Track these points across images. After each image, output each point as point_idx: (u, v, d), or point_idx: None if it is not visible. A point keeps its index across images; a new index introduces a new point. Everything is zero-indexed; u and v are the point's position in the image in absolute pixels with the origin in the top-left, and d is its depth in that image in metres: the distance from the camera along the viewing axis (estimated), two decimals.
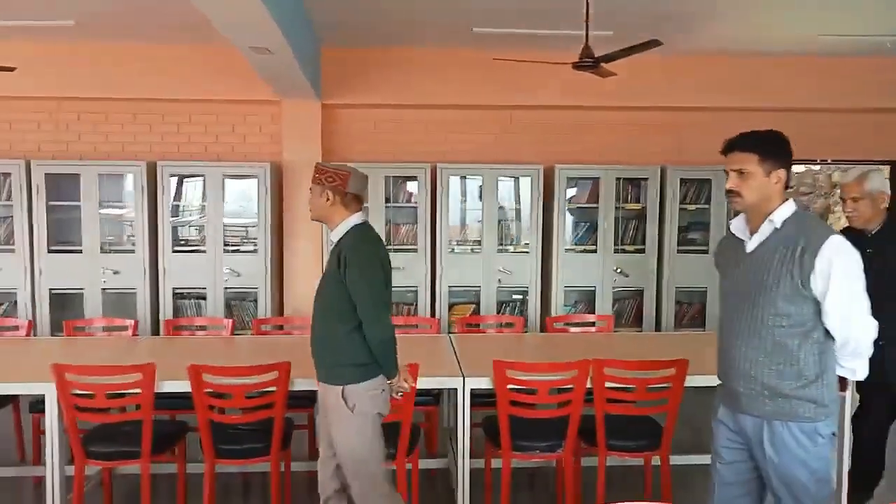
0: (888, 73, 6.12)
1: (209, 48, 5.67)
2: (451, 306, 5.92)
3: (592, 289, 5.89)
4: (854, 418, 3.36)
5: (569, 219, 5.97)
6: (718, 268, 2.45)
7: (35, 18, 4.85)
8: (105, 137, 6.11)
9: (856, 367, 2.25)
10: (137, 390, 2.89)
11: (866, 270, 2.82)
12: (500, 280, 5.87)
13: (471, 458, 3.15)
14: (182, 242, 5.87)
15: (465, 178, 6.07)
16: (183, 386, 2.93)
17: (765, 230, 2.22)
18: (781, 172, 2.21)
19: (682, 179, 5.92)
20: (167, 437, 3.18)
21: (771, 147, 2.22)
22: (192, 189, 5.95)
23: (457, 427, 3.13)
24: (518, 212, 6.09)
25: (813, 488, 2.20)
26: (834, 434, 2.25)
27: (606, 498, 3.13)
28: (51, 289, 5.59)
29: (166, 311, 5.69)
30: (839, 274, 2.10)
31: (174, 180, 5.75)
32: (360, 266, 2.58)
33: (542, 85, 5.76)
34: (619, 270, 5.88)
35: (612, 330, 4.69)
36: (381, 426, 2.70)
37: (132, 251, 5.67)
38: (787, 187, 2.24)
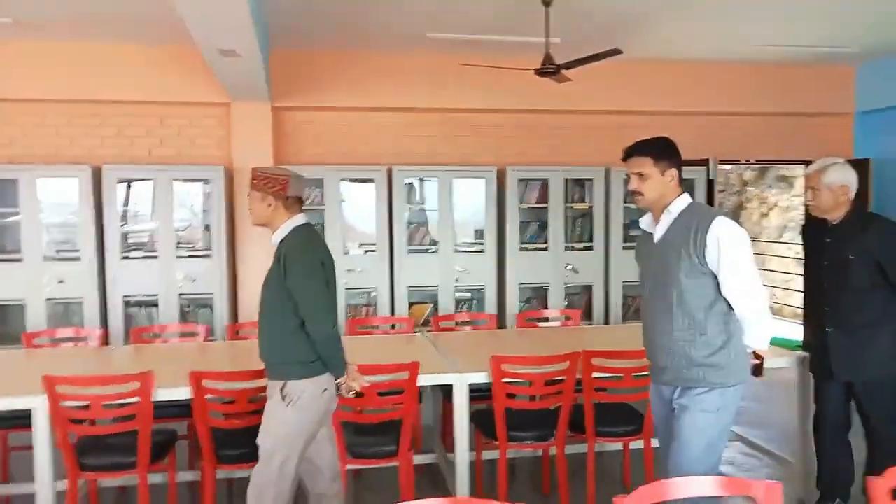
0: (807, 81, 6.70)
1: (151, 48, 5.57)
2: (409, 305, 5.99)
3: (545, 285, 6.11)
4: (814, 420, 3.39)
5: (522, 218, 6.15)
6: (638, 260, 2.78)
7: None
8: (40, 140, 5.82)
9: (759, 335, 2.49)
10: (135, 399, 2.83)
11: (822, 258, 3.16)
12: (457, 279, 6.00)
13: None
14: (132, 248, 5.66)
15: (422, 180, 6.15)
16: (179, 393, 2.90)
17: (665, 221, 2.55)
18: (673, 171, 2.54)
19: (624, 179, 6.23)
20: (159, 446, 3.12)
21: (662, 150, 2.55)
22: (139, 194, 5.75)
23: (454, 422, 3.23)
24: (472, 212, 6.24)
25: (703, 453, 2.43)
26: (737, 407, 2.50)
27: (595, 481, 3.31)
28: None
29: (116, 319, 5.48)
30: (727, 247, 2.39)
31: (120, 185, 5.55)
32: (301, 267, 2.63)
33: (497, 89, 5.94)
34: (570, 267, 6.13)
35: (579, 324, 4.92)
36: (318, 427, 2.74)
37: (77, 258, 5.43)
38: (680, 183, 2.57)
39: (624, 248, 6.17)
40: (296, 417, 2.64)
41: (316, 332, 2.62)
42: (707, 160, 6.41)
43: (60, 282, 5.39)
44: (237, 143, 5.91)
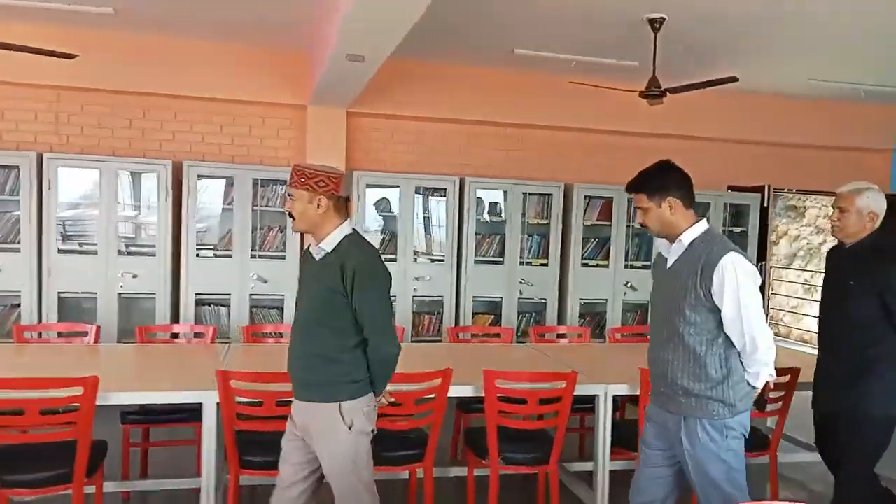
0: (851, 117, 6.97)
1: (231, 46, 5.57)
2: (473, 315, 6.06)
3: (603, 301, 6.23)
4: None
5: (584, 234, 6.24)
6: (653, 279, 2.76)
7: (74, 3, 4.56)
8: (111, 133, 5.76)
9: (758, 371, 2.46)
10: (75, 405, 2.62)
11: (827, 283, 3.17)
12: (520, 291, 6.10)
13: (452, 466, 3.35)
14: (203, 247, 5.61)
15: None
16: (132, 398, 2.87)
17: (676, 249, 2.53)
18: (672, 200, 2.49)
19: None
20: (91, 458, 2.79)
21: (655, 182, 2.54)
22: (211, 190, 5.72)
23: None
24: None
25: (726, 479, 2.46)
26: (745, 432, 2.50)
27: None
28: None
29: (188, 317, 5.45)
30: (733, 287, 2.37)
31: (197, 182, 5.52)
32: (378, 285, 2.44)
33: (573, 108, 6.12)
34: (628, 284, 6.27)
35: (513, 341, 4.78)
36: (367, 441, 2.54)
37: (152, 254, 5.39)
38: (690, 206, 2.53)
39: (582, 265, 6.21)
40: (359, 440, 2.47)
41: (384, 353, 2.45)
42: (763, 187, 6.61)
43: (134, 276, 5.34)
44: (312, 147, 5.92)
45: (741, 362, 2.46)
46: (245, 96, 5.78)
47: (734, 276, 2.37)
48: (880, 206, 2.99)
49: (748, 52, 5.26)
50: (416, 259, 5.96)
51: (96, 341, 4.04)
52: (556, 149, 6.59)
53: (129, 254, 5.41)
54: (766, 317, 2.48)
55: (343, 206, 2.46)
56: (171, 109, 5.84)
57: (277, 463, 2.60)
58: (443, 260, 5.98)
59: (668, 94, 4.51)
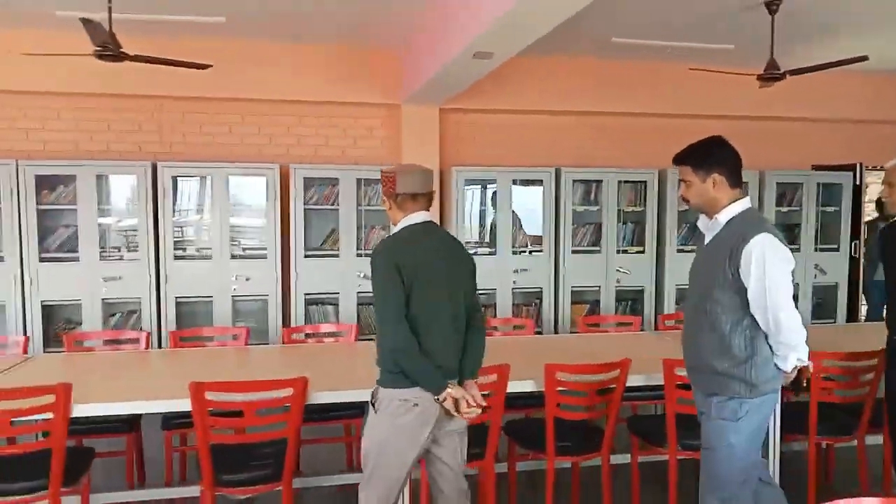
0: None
1: (322, 48, 5.63)
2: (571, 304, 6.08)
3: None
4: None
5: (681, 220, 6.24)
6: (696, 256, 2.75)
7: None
8: (211, 139, 5.86)
9: (786, 355, 2.42)
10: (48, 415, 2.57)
11: (888, 261, 3.04)
12: (618, 280, 6.11)
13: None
14: (313, 250, 5.70)
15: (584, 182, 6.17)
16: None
17: (713, 227, 2.52)
18: (717, 176, 2.46)
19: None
20: (73, 467, 2.76)
21: (702, 156, 2.51)
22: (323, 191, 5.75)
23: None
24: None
25: (725, 461, 2.46)
26: (765, 416, 2.49)
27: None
28: None
29: (299, 317, 5.54)
30: (759, 268, 2.33)
31: (299, 183, 5.58)
32: (373, 272, 2.48)
33: (671, 94, 6.17)
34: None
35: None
36: (410, 446, 2.47)
37: (264, 256, 5.48)
38: (736, 185, 2.49)
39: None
40: (384, 425, 2.47)
41: (381, 344, 2.49)
42: (855, 165, 6.56)
43: (247, 279, 5.43)
44: (407, 147, 5.97)
45: (769, 345, 2.43)
46: (337, 97, 5.83)
47: (762, 256, 2.33)
48: None
49: (850, 32, 5.21)
50: (515, 252, 5.98)
51: (147, 347, 3.99)
52: (647, 135, 6.57)
53: (239, 257, 5.49)
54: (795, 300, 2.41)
55: (406, 201, 2.54)
56: (265, 114, 5.92)
57: (258, 479, 2.76)
58: (541, 251, 6.01)
59: (787, 76, 4.48)
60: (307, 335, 4.15)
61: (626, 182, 6.12)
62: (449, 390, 2.43)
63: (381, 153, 6.15)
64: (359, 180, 5.65)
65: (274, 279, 5.48)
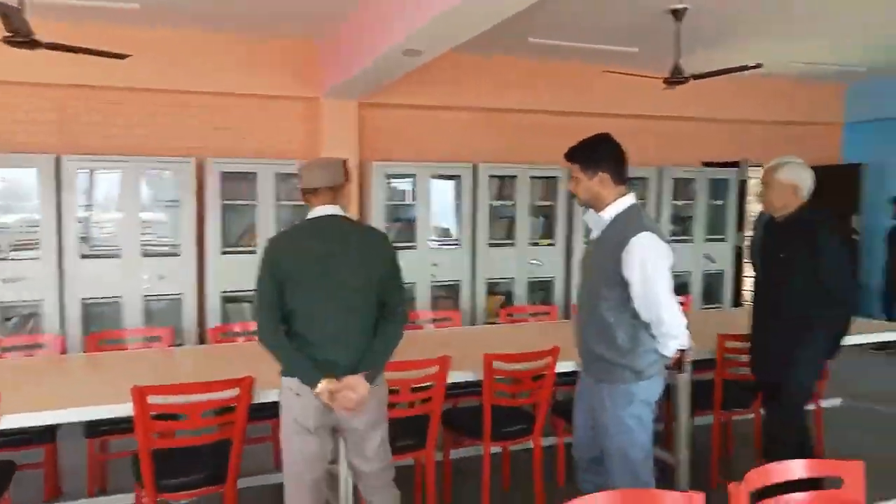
0: (804, 94, 7.60)
1: (241, 40, 5.53)
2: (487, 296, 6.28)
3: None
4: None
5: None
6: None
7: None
8: (125, 131, 5.59)
9: (667, 343, 2.56)
10: None
11: (762, 255, 3.31)
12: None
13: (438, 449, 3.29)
14: (230, 246, 5.57)
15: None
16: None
17: (599, 223, 2.64)
18: (602, 174, 2.56)
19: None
20: None
21: (589, 154, 2.61)
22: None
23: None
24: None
25: (629, 443, 2.60)
26: (653, 402, 2.63)
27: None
28: None
29: (214, 318, 5.41)
30: (640, 266, 2.45)
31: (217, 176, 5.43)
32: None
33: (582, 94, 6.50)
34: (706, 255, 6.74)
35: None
36: (301, 436, 2.49)
37: (177, 254, 5.30)
38: (621, 183, 2.60)
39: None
40: (282, 415, 2.54)
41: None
42: (738, 162, 7.14)
43: (160, 277, 5.24)
44: (327, 140, 5.93)
45: (651, 334, 2.57)
46: (254, 90, 5.72)
47: (643, 255, 2.45)
48: (802, 178, 3.05)
49: (736, 39, 5.67)
50: (432, 245, 6.10)
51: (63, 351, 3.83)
52: (558, 133, 6.80)
53: (153, 255, 5.28)
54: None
55: (311, 195, 2.54)
56: (178, 106, 5.71)
57: (201, 481, 2.73)
58: (458, 245, 6.16)
59: (691, 79, 4.83)
60: (235, 334, 4.07)
61: (537, 178, 6.38)
62: (323, 383, 2.40)
63: (299, 147, 6.08)
64: (277, 175, 5.57)
65: (189, 277, 5.32)
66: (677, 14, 4.75)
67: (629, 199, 2.61)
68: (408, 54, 4.19)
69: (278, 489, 2.71)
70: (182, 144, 5.69)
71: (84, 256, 5.08)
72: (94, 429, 3.32)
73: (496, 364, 3.14)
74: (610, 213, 2.59)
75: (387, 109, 6.31)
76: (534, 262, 6.37)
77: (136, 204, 5.17)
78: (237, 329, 4.13)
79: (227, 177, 5.46)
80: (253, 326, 4.28)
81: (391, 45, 4.07)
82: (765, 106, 7.44)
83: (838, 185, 7.77)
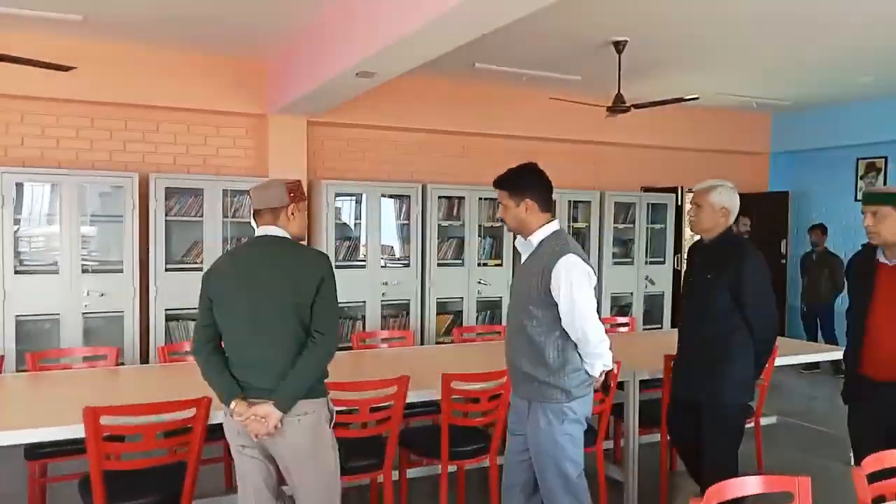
0: (733, 124, 8.03)
1: (185, 55, 5.47)
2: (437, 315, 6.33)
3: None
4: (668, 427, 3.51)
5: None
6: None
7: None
8: (55, 143, 5.41)
9: (593, 363, 2.67)
10: None
11: (688, 277, 3.34)
12: (479, 291, 6.46)
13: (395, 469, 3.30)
14: (174, 263, 5.44)
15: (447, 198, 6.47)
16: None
17: (527, 248, 2.73)
18: (528, 202, 2.64)
19: (616, 203, 7.09)
20: None
21: (515, 182, 2.68)
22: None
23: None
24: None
25: (561, 460, 2.67)
26: (584, 419, 2.72)
27: None
28: None
29: (159, 334, 5.26)
30: (567, 286, 2.55)
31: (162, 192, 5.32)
32: None
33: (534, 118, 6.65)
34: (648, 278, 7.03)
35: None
36: (237, 453, 2.53)
37: (119, 270, 5.15)
38: (546, 210, 2.67)
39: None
40: None
41: None
42: (676, 188, 7.46)
43: (101, 294, 5.08)
44: (273, 157, 5.90)
45: (578, 354, 2.65)
46: (199, 105, 5.65)
47: (568, 275, 2.55)
48: (732, 202, 3.13)
49: (672, 71, 5.97)
50: (383, 265, 6.12)
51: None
52: (505, 155, 6.94)
53: (94, 271, 5.11)
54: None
55: (257, 216, 2.53)
56: (119, 119, 5.58)
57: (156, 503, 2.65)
58: (408, 264, 6.20)
59: (632, 108, 5.05)
60: (186, 353, 3.97)
61: (485, 199, 6.49)
62: (232, 404, 2.40)
63: (245, 164, 6.02)
64: (225, 191, 5.49)
65: (131, 294, 5.17)
66: (618, 46, 4.97)
67: (554, 225, 2.70)
68: (361, 76, 4.24)
69: None
70: (123, 159, 5.56)
71: (19, 272, 4.88)
72: (36, 452, 3.18)
73: (454, 384, 3.18)
74: (537, 237, 2.68)
75: (336, 128, 6.32)
76: (482, 282, 6.46)
77: (75, 218, 5.00)
78: (187, 348, 4.03)
79: (171, 192, 5.35)
80: None
81: (345, 67, 4.12)
82: (699, 135, 7.81)
83: (768, 211, 8.24)
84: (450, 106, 6.48)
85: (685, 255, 5.29)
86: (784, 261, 8.15)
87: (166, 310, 5.31)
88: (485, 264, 6.53)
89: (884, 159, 7.50)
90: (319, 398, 2.49)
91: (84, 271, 5.05)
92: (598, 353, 2.65)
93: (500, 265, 6.57)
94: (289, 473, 2.51)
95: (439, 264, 6.30)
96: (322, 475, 2.52)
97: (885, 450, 2.18)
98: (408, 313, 6.22)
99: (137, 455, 2.69)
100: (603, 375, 2.76)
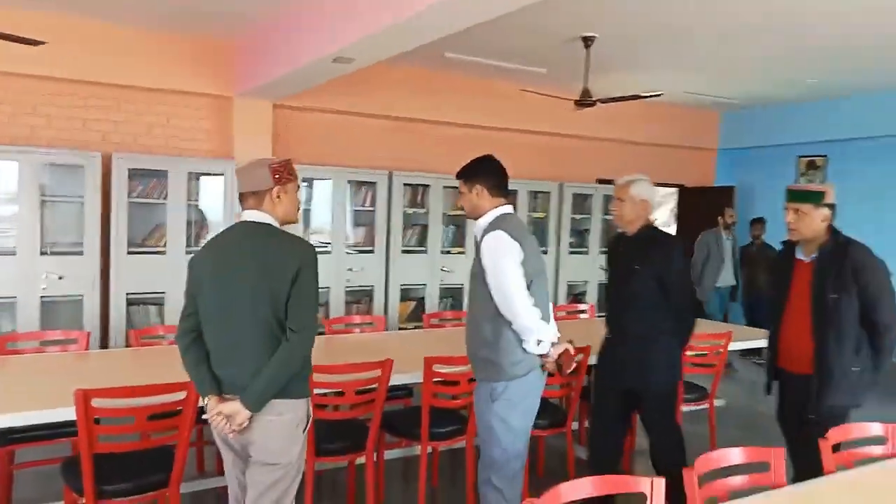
0: (683, 121, 8.34)
1: (150, 32, 5.34)
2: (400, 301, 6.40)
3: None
4: (590, 414, 3.55)
5: None
6: None
7: None
8: (8, 119, 5.20)
9: (527, 338, 2.68)
10: None
11: (613, 268, 3.41)
12: (442, 279, 6.55)
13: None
14: (136, 246, 5.33)
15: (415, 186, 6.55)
16: None
17: (476, 231, 2.83)
18: (478, 187, 2.77)
19: (574, 194, 7.29)
20: None
21: (468, 170, 2.84)
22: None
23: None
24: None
25: (492, 440, 2.76)
26: (521, 405, 2.75)
27: None
28: None
29: (119, 319, 5.16)
30: (490, 260, 2.65)
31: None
32: None
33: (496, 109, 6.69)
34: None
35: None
36: (220, 447, 2.46)
37: (80, 252, 5.02)
38: (498, 195, 2.78)
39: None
40: None
41: None
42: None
43: (60, 277, 4.94)
44: (238, 139, 5.83)
45: (514, 330, 2.68)
46: (161, 84, 5.53)
47: (492, 250, 2.65)
48: (651, 194, 3.24)
49: (632, 68, 6.18)
50: (348, 251, 6.14)
51: None
52: (468, 145, 7.02)
53: (52, 253, 4.97)
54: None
55: (241, 201, 2.42)
56: (78, 96, 5.41)
57: (144, 486, 2.65)
58: (372, 251, 6.23)
59: (598, 103, 5.21)
60: (161, 336, 3.94)
61: (448, 188, 6.57)
62: (206, 399, 2.33)
63: (208, 146, 5.93)
64: (190, 174, 5.40)
65: (91, 278, 5.05)
66: (587, 41, 5.11)
67: (503, 209, 2.78)
68: (339, 62, 4.25)
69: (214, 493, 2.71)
70: (82, 137, 5.40)
71: None
72: (6, 438, 3.12)
73: (436, 367, 3.26)
74: (485, 220, 2.78)
75: (300, 112, 6.29)
76: (445, 269, 6.55)
77: (34, 198, 4.85)
78: (161, 332, 3.99)
79: (133, 173, 5.23)
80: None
81: (325, 52, 4.11)
82: (652, 129, 8.08)
83: (715, 204, 8.58)
84: (417, 95, 6.52)
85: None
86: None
87: (127, 294, 5.20)
88: (448, 252, 6.62)
89: (824, 157, 7.93)
90: (298, 399, 2.35)
91: (42, 253, 4.90)
92: (527, 327, 2.64)
93: (463, 253, 6.67)
94: (249, 467, 2.38)
95: (403, 251, 6.36)
96: (278, 484, 2.35)
97: (799, 438, 2.25)
98: (371, 299, 6.26)
99: (122, 438, 2.69)
100: (553, 356, 2.76)
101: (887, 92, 6.98)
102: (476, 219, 2.83)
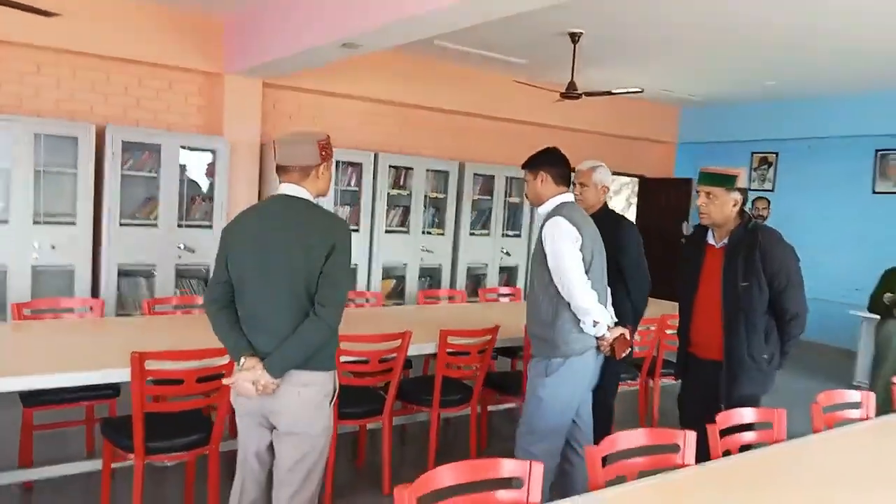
0: (644, 114, 8.76)
1: (146, 7, 5.35)
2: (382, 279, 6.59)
3: (484, 267, 7.17)
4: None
5: (473, 207, 7.11)
6: None
7: None
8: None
9: (583, 318, 2.84)
10: None
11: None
12: (421, 258, 6.78)
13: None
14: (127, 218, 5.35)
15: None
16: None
17: (539, 217, 3.03)
18: (543, 175, 2.97)
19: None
20: None
21: (535, 160, 3.02)
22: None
23: None
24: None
25: (535, 412, 2.93)
26: (571, 382, 2.89)
27: None
28: None
29: (110, 289, 5.20)
30: (550, 243, 2.84)
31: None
32: None
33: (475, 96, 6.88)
34: (504, 251, 7.29)
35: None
36: (240, 423, 2.51)
37: (72, 223, 5.03)
38: (561, 184, 2.96)
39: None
40: None
41: None
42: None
43: (52, 247, 4.95)
44: (228, 116, 5.88)
45: (571, 311, 2.84)
46: (152, 58, 5.52)
47: (551, 234, 2.84)
48: (608, 180, 3.45)
49: (612, 64, 6.50)
50: None
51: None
52: (452, 131, 7.33)
53: (45, 223, 4.96)
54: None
55: (278, 172, 2.45)
56: (67, 66, 5.37)
57: (187, 445, 2.82)
58: (357, 230, 6.40)
59: (583, 96, 5.50)
60: (176, 307, 4.05)
61: (432, 171, 6.79)
62: (242, 364, 2.32)
63: (197, 121, 5.97)
64: (182, 147, 5.45)
65: (83, 248, 5.07)
66: (574, 37, 5.39)
67: (563, 197, 2.97)
68: (347, 47, 4.39)
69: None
70: (70, 108, 5.38)
71: None
72: (36, 399, 3.21)
73: (450, 339, 3.51)
74: (546, 207, 2.97)
75: (290, 92, 6.37)
76: (425, 249, 6.78)
77: (27, 167, 4.82)
78: (175, 302, 4.10)
79: (126, 146, 5.25)
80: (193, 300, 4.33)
81: (334, 36, 4.25)
82: (616, 122, 8.45)
83: (673, 195, 9.09)
84: (405, 79, 6.68)
85: None
86: (684, 239, 9.00)
87: (118, 265, 5.24)
88: (428, 233, 6.84)
89: (775, 154, 8.48)
90: (325, 371, 2.37)
91: (35, 223, 4.89)
92: (584, 308, 2.80)
93: (442, 234, 6.90)
94: (278, 441, 2.42)
95: (386, 231, 6.55)
96: (307, 457, 2.39)
97: (704, 423, 2.30)
98: (355, 277, 6.43)
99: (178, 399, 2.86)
100: (609, 339, 2.90)
101: (836, 96, 7.53)
102: (538, 206, 3.02)
